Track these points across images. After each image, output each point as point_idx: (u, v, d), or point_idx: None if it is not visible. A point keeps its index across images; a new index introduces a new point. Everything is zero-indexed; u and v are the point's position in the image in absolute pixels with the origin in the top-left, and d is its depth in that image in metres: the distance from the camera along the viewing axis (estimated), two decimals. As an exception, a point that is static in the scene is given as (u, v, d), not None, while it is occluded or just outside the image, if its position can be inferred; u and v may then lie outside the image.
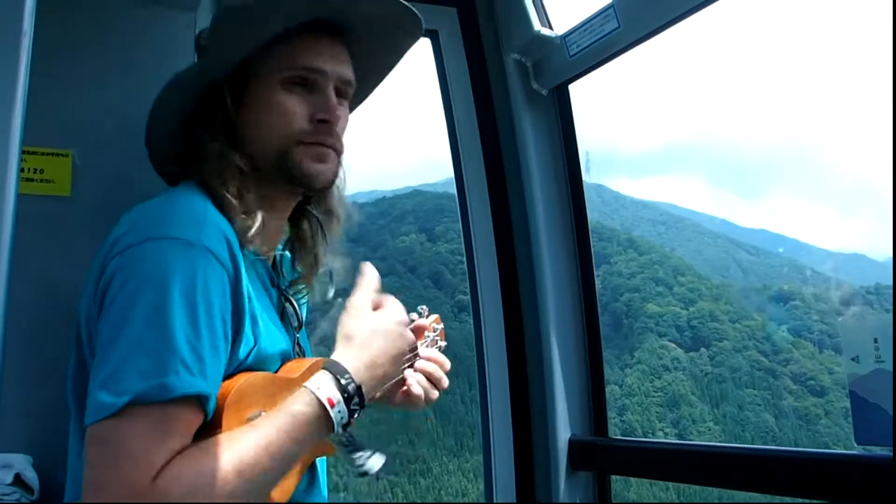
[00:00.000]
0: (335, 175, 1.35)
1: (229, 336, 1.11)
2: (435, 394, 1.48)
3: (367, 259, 1.42)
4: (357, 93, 1.44)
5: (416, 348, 1.53)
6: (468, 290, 2.29)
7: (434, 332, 1.65)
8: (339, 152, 1.34)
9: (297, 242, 1.47)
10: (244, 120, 1.28)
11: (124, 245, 1.08)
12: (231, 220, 1.17)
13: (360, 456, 1.24)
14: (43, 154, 1.70)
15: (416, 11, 1.37)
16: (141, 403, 0.97)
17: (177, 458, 0.98)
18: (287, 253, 1.51)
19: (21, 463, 1.53)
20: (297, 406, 1.10)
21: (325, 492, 1.38)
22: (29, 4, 0.82)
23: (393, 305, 1.33)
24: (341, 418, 1.12)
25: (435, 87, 2.31)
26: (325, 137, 1.28)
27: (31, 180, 1.68)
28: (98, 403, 0.97)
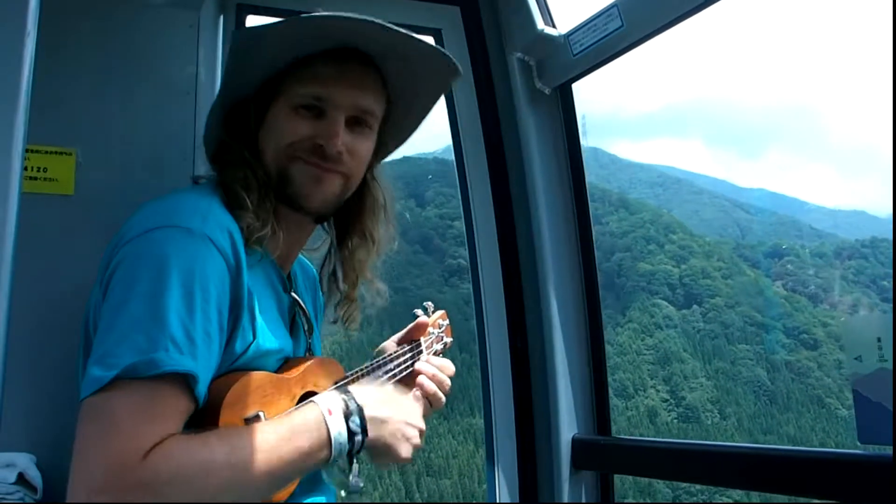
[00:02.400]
0: (335, 198, 1.34)
1: (225, 326, 1.12)
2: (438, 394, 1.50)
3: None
4: (401, 121, 1.45)
5: (420, 352, 1.56)
6: (470, 283, 2.29)
7: (439, 328, 1.66)
8: (345, 176, 1.32)
9: (335, 263, 1.48)
10: (262, 136, 1.31)
11: (130, 236, 1.11)
12: (239, 219, 1.19)
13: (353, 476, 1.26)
14: (46, 153, 1.69)
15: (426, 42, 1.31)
16: (129, 377, 0.98)
17: (170, 440, 0.98)
18: (301, 267, 1.51)
19: (25, 462, 1.54)
20: (298, 413, 1.13)
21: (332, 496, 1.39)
22: (32, 4, 0.82)
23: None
24: (338, 433, 1.13)
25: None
26: (321, 160, 1.27)
27: (35, 179, 1.67)
28: (90, 378, 0.99)
